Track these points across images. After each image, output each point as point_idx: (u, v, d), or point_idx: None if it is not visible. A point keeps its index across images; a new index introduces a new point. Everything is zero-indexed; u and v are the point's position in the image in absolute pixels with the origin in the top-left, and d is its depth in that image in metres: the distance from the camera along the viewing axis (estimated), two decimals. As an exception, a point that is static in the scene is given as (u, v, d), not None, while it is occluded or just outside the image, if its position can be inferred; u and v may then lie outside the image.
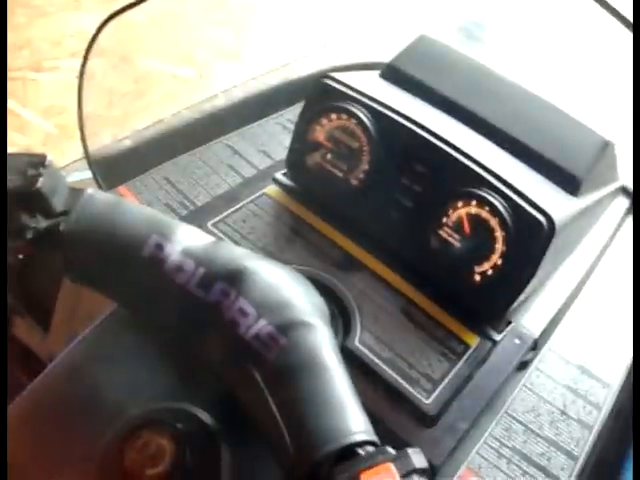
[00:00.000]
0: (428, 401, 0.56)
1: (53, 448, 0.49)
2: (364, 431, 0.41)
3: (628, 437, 0.60)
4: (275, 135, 0.85)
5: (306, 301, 0.47)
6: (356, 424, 0.41)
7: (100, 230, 0.48)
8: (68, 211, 0.48)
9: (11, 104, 1.95)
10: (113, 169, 0.79)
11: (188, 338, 0.48)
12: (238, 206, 0.68)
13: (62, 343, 0.80)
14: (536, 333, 0.64)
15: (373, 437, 0.42)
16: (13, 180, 0.48)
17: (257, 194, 0.70)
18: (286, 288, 0.47)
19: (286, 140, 0.71)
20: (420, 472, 0.39)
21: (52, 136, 1.88)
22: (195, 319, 0.47)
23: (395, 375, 0.57)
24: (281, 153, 0.73)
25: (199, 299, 0.46)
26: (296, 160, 0.70)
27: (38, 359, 0.87)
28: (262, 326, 0.44)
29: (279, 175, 0.71)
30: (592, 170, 0.68)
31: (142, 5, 0.69)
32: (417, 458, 0.39)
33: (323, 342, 0.45)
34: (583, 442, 0.59)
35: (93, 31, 0.70)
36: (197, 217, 0.68)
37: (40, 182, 0.48)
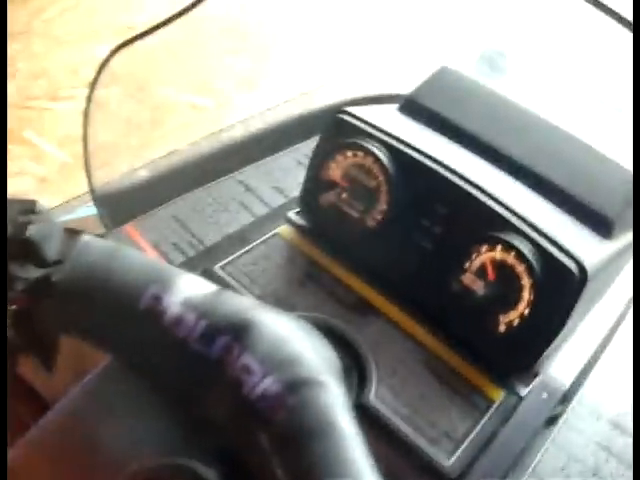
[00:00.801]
0: (450, 462, 0.52)
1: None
2: None
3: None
4: (289, 170, 0.82)
5: (317, 356, 0.43)
6: None
7: (95, 281, 0.45)
8: (62, 260, 0.46)
9: (27, 133, 1.96)
10: (120, 205, 0.77)
11: (189, 396, 0.45)
12: (248, 247, 0.66)
13: (67, 384, 0.77)
14: (565, 385, 0.60)
15: None
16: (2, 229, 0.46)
17: (269, 234, 0.67)
18: (295, 342, 0.44)
19: (301, 176, 0.68)
20: None
21: (68, 166, 1.88)
22: (196, 376, 0.44)
23: (414, 433, 0.53)
24: (295, 190, 0.70)
25: (200, 354, 0.43)
26: (310, 199, 0.67)
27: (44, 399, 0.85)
28: (268, 385, 0.41)
29: (292, 214, 0.68)
30: (625, 210, 0.64)
31: (158, 33, 0.68)
32: None
33: (335, 401, 0.41)
34: None
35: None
36: (205, 258, 0.65)
37: (30, 229, 0.45)
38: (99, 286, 0.45)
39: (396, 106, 0.72)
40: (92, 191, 0.72)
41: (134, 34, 0.68)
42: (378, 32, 2.43)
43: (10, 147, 1.92)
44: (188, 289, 0.45)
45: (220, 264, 0.63)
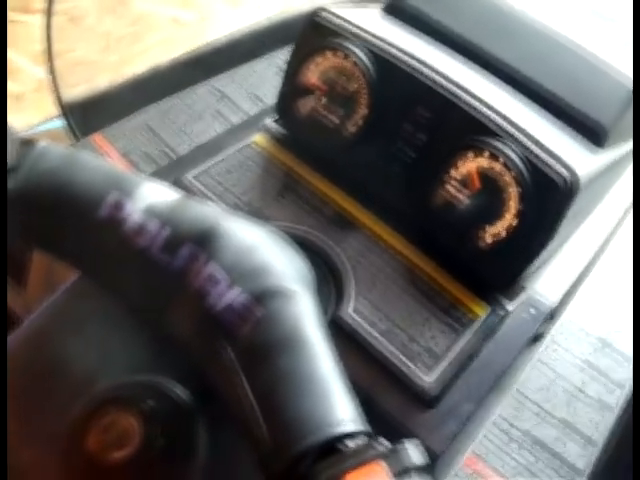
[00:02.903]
0: (429, 378, 0.51)
1: (16, 423, 0.46)
2: (352, 420, 0.36)
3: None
4: (267, 77, 0.80)
5: (287, 266, 0.42)
6: (343, 411, 0.36)
7: (52, 188, 0.43)
8: (16, 167, 0.43)
9: (0, 49, 1.90)
10: (89, 115, 0.74)
11: (153, 310, 0.43)
12: (223, 156, 0.64)
13: (39, 300, 0.76)
14: (553, 302, 0.60)
15: (363, 426, 0.36)
16: None
17: (244, 143, 0.65)
18: (265, 251, 0.42)
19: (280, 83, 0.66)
20: (417, 470, 0.34)
21: (45, 82, 1.82)
22: (159, 287, 0.42)
23: (393, 349, 0.52)
24: (273, 97, 0.67)
25: (163, 264, 0.41)
26: (287, 105, 0.64)
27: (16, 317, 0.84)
28: (235, 295, 0.39)
29: (269, 122, 0.66)
30: (620, 118, 0.61)
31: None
32: (414, 453, 0.34)
33: (306, 313, 0.40)
34: (603, 425, 0.55)
35: None
36: (177, 168, 0.63)
37: None
38: (56, 193, 0.43)
39: (380, 6, 0.68)
40: (59, 100, 0.69)
41: None
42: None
43: (-19, 65, 1.87)
44: (151, 196, 0.43)
45: (193, 173, 0.62)
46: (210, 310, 0.39)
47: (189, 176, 0.61)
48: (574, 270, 0.63)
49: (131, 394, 0.45)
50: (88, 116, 0.73)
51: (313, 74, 0.61)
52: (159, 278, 0.41)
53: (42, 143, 0.45)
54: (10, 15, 1.95)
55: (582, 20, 0.77)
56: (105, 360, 0.48)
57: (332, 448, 0.34)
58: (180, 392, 0.47)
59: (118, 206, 0.42)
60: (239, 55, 0.81)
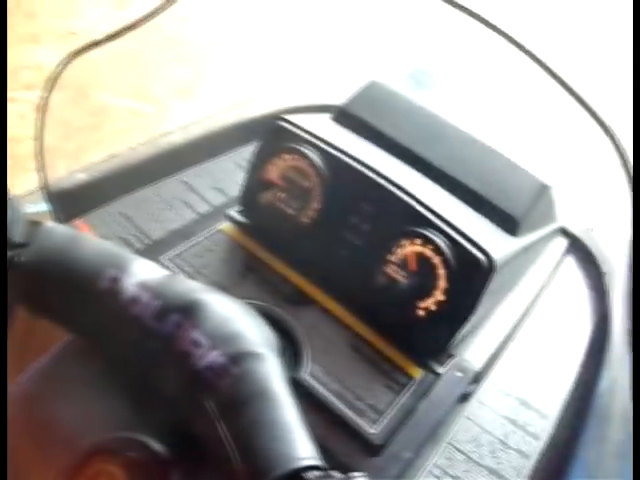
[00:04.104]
0: (374, 430, 0.58)
1: (9, 477, 0.49)
2: (311, 457, 0.43)
3: (565, 466, 0.63)
4: (229, 172, 0.87)
5: (257, 333, 0.49)
6: (303, 450, 0.43)
7: (59, 263, 0.49)
8: (27, 243, 0.50)
9: (-36, 134, 1.93)
10: (69, 202, 0.80)
11: (144, 369, 0.50)
12: (193, 242, 0.70)
13: (13, 375, 0.79)
14: (477, 366, 0.67)
15: (320, 462, 0.43)
16: None
17: (212, 230, 0.72)
18: (238, 320, 0.49)
19: (240, 177, 0.73)
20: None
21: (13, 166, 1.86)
22: (150, 350, 0.48)
23: (342, 406, 0.59)
24: (235, 190, 0.74)
25: (154, 330, 0.48)
26: (249, 198, 0.72)
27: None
28: (215, 356, 0.46)
29: (232, 212, 0.73)
30: (530, 211, 0.71)
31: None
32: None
33: (272, 372, 0.47)
34: (524, 471, 0.62)
35: (49, 64, 0.72)
36: (153, 251, 0.69)
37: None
38: (62, 268, 0.49)
39: (329, 115, 0.78)
40: (45, 188, 0.75)
41: (76, 40, 0.71)
42: (311, 47, 2.50)
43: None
44: (143, 273, 0.50)
45: (168, 255, 0.68)
46: (193, 368, 0.46)
47: (164, 258, 0.68)
48: (496, 340, 0.70)
49: (114, 447, 0.49)
50: (69, 203, 0.79)
51: (273, 172, 0.69)
52: (150, 341, 0.48)
53: (49, 223, 0.51)
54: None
55: (501, 123, 0.87)
56: (89, 420, 0.52)
57: (298, 478, 0.41)
58: (158, 446, 0.50)
59: (116, 280, 0.48)
60: (202, 153, 0.89)
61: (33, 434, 0.52)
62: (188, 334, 0.47)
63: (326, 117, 0.78)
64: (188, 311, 0.48)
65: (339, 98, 0.80)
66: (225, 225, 0.73)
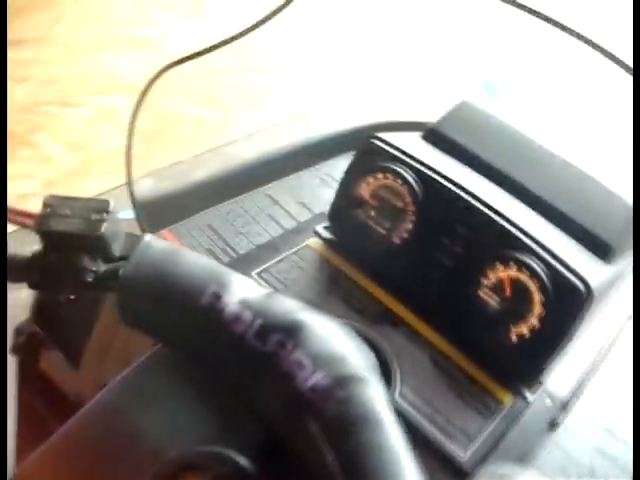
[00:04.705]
0: (466, 456, 0.57)
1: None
2: None
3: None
4: (313, 188, 0.88)
5: (360, 356, 0.49)
6: (410, 475, 0.43)
7: (159, 277, 0.50)
8: (127, 256, 0.51)
9: (36, 137, 1.99)
10: (155, 213, 0.81)
11: (240, 385, 0.50)
12: (281, 257, 0.71)
13: (92, 381, 0.81)
14: (565, 394, 0.66)
15: None
16: (77, 224, 0.50)
17: (300, 246, 0.72)
18: (340, 342, 0.49)
19: (324, 193, 0.74)
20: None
21: (74, 171, 1.91)
22: (252, 368, 0.48)
23: (433, 429, 0.58)
24: (319, 206, 0.75)
25: (256, 349, 0.48)
26: (339, 215, 0.72)
27: (62, 395, 0.88)
28: (319, 379, 0.46)
29: (320, 228, 0.73)
30: (624, 238, 0.70)
31: (173, 51, 0.72)
32: None
33: (377, 396, 0.46)
34: None
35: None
36: (241, 265, 0.69)
37: (103, 227, 0.50)
38: (162, 282, 0.50)
39: (419, 134, 0.78)
40: (132, 195, 0.76)
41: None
42: (378, 59, 2.50)
43: (18, 150, 1.95)
44: (243, 290, 0.50)
45: (256, 270, 0.69)
46: (297, 389, 0.46)
47: (253, 273, 0.68)
48: (585, 366, 0.69)
49: (200, 461, 0.49)
50: (156, 213, 0.80)
51: (365, 190, 0.69)
52: (253, 360, 0.48)
53: (147, 236, 0.52)
54: (49, 108, 2.06)
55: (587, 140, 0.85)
56: (176, 432, 0.52)
57: None
58: (243, 461, 0.50)
59: (217, 296, 0.49)
60: (285, 166, 0.90)
61: (117, 446, 0.52)
62: (291, 354, 0.47)
63: (416, 136, 0.78)
64: (290, 331, 0.48)
65: (417, 112, 0.80)
66: (312, 241, 0.73)
